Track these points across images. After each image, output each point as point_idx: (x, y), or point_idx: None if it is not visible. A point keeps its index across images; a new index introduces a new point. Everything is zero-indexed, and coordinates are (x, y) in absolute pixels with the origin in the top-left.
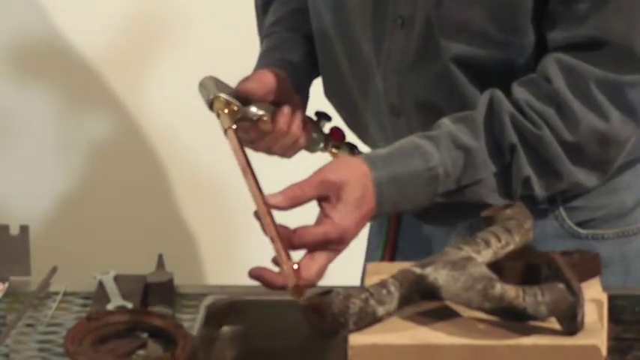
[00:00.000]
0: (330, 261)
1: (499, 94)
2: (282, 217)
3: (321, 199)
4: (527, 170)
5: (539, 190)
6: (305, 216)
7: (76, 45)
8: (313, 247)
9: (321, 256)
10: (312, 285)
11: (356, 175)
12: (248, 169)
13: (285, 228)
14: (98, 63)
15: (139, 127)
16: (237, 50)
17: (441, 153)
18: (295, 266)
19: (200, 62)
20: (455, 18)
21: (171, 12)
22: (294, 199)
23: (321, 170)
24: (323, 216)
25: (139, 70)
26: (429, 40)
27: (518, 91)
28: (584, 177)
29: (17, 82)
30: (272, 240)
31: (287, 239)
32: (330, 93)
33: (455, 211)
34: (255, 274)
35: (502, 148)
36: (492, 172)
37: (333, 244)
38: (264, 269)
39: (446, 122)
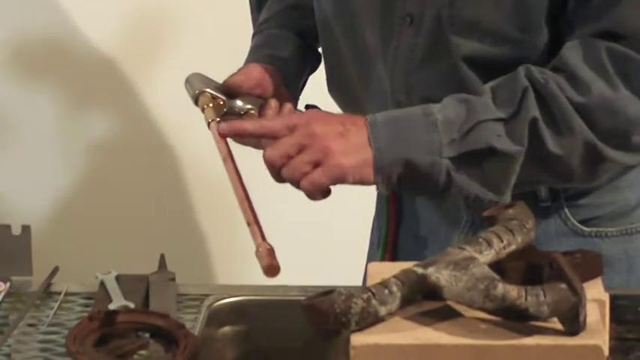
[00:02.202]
0: (300, 148)
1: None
2: (277, 212)
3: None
4: (534, 111)
5: (550, 140)
6: (302, 211)
7: (79, 44)
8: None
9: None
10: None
11: (345, 116)
12: (229, 157)
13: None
14: (101, 62)
15: (141, 126)
16: (241, 50)
17: (441, 105)
18: (269, 247)
19: (203, 62)
20: (467, 16)
21: (175, 11)
22: (263, 126)
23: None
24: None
25: (141, 70)
26: (438, 37)
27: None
28: (601, 144)
29: (19, 81)
30: (248, 224)
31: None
32: (333, 88)
33: (468, 168)
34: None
35: (511, 94)
36: (497, 116)
37: (300, 136)
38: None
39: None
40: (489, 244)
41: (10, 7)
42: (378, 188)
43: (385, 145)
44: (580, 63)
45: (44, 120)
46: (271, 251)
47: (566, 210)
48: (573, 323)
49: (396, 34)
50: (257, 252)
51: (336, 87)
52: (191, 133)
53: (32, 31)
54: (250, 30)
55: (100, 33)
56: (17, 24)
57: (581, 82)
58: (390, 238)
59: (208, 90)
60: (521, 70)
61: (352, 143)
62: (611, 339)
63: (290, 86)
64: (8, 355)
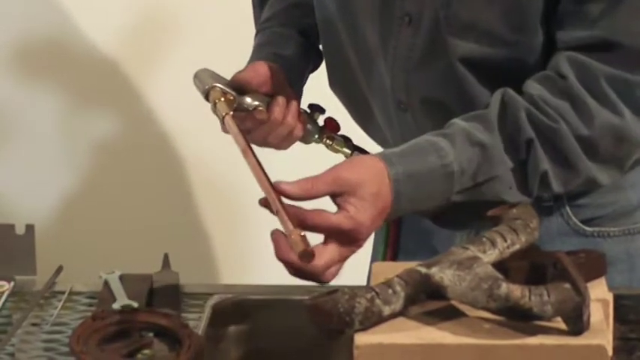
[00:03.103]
0: (342, 256)
1: (511, 92)
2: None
3: (335, 196)
4: (545, 165)
5: (556, 186)
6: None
7: (83, 45)
8: (326, 234)
9: (333, 247)
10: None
11: (371, 172)
12: (249, 149)
13: (299, 208)
14: (105, 62)
15: (144, 126)
16: (243, 50)
17: (456, 150)
18: (302, 233)
19: (205, 60)
20: (464, 18)
21: (178, 11)
22: (305, 190)
23: (335, 167)
24: (339, 209)
25: (145, 69)
26: (436, 38)
27: (533, 86)
28: (599, 173)
29: (22, 81)
30: (277, 212)
31: (300, 218)
32: (335, 84)
33: (470, 209)
34: (274, 237)
35: (518, 143)
36: (509, 167)
37: (346, 238)
38: (283, 236)
39: (458, 121)
40: (493, 244)
41: (13, 7)
42: None
43: (405, 203)
44: (583, 91)
45: (48, 120)
46: (304, 237)
47: (569, 210)
48: (577, 323)
49: (395, 33)
50: (289, 238)
51: (338, 83)
52: (195, 132)
53: (36, 31)
54: (252, 30)
55: (104, 33)
56: (21, 25)
57: (586, 111)
58: (392, 238)
59: (219, 85)
60: (524, 116)
61: (382, 219)
62: (614, 339)
63: (294, 84)
64: (12, 355)
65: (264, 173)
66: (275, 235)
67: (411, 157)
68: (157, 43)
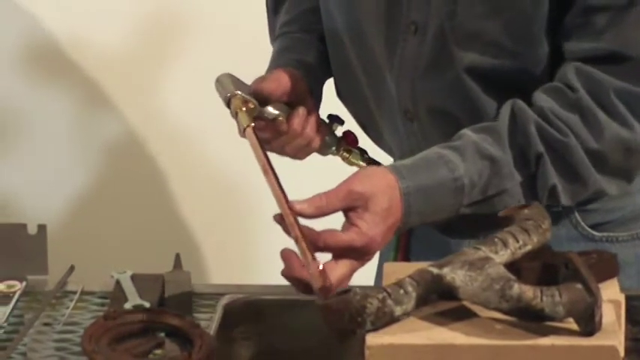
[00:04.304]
0: (353, 270)
1: (521, 104)
2: (304, 223)
3: (348, 210)
4: (554, 179)
5: (564, 199)
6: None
7: (92, 44)
8: (337, 253)
9: (344, 263)
10: (333, 290)
11: (383, 186)
12: (269, 168)
13: (310, 229)
14: (116, 63)
15: (155, 126)
16: (252, 49)
17: (466, 163)
18: (321, 267)
19: (215, 61)
20: (468, 28)
21: (186, 11)
22: (319, 208)
23: (347, 181)
24: (350, 224)
25: (155, 69)
26: (442, 47)
27: (542, 98)
28: (607, 185)
29: (33, 81)
30: (296, 240)
31: (311, 240)
32: (343, 94)
33: (479, 220)
34: (285, 255)
35: (528, 157)
36: (518, 181)
37: (357, 253)
38: (295, 254)
39: (468, 133)
40: (505, 244)
41: (24, 9)
42: None
43: (414, 216)
44: (592, 104)
45: (60, 120)
46: (323, 272)
47: (577, 215)
48: (589, 324)
49: (401, 42)
50: (308, 271)
51: (345, 92)
52: (207, 133)
53: (47, 32)
54: (262, 32)
55: (116, 35)
56: (32, 26)
57: (596, 124)
58: (403, 240)
59: (241, 93)
60: (534, 130)
61: (392, 233)
62: (626, 339)
63: (314, 91)
64: (24, 354)
65: (284, 196)
66: (285, 253)
67: (421, 170)
68: (168, 43)
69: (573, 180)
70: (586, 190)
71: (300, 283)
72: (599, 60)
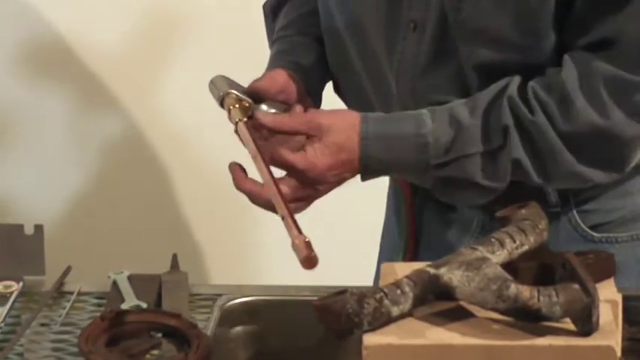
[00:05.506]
0: (296, 195)
1: (517, 79)
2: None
3: (307, 137)
4: (519, 152)
5: (536, 176)
6: (313, 212)
7: (91, 44)
8: (284, 170)
9: (289, 181)
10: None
11: (343, 125)
12: (258, 154)
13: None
14: (112, 62)
15: (152, 126)
16: (250, 51)
17: (435, 123)
18: (307, 239)
19: (215, 61)
20: (473, 23)
21: (185, 11)
22: (279, 122)
23: (315, 111)
24: (300, 149)
25: (153, 70)
26: (442, 43)
27: (534, 79)
28: (593, 174)
29: (31, 81)
30: (283, 217)
31: (269, 155)
32: (342, 91)
33: (452, 187)
34: (231, 168)
35: (495, 128)
36: (481, 149)
37: (299, 176)
38: (239, 167)
39: (454, 99)
40: (502, 245)
41: (22, 8)
42: None
43: (375, 164)
44: (576, 90)
45: (56, 120)
46: (308, 243)
47: (576, 215)
48: (586, 324)
49: (401, 39)
50: (293, 244)
51: (345, 90)
52: (204, 133)
53: (45, 31)
54: (262, 33)
55: (113, 34)
56: (30, 25)
57: (572, 109)
58: (410, 247)
59: (234, 92)
60: (506, 104)
61: (344, 171)
62: (623, 339)
63: (312, 94)
64: (21, 355)
65: (273, 178)
66: (232, 166)
67: (391, 121)
68: (168, 43)
69: (542, 158)
70: (558, 170)
71: (249, 194)
72: (596, 46)
